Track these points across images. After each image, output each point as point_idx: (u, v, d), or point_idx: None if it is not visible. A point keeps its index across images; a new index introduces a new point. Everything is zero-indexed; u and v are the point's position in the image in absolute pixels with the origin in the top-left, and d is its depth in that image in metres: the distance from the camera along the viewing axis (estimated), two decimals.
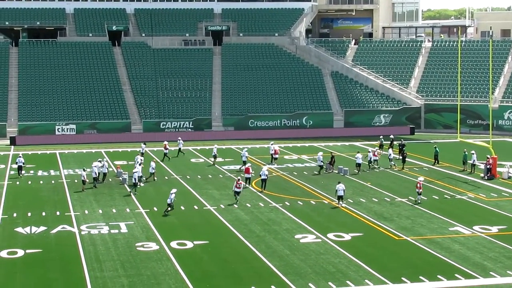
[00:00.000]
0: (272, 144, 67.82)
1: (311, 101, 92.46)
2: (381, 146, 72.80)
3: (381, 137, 75.03)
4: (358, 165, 61.57)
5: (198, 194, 53.53)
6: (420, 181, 51.57)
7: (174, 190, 48.52)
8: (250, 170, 56.73)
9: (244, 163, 62.01)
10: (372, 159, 63.78)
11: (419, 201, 50.58)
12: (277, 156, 66.31)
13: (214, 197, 52.73)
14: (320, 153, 63.33)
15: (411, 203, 50.28)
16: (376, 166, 63.85)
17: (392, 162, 64.26)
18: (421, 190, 50.73)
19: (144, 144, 70.33)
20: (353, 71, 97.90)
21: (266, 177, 54.74)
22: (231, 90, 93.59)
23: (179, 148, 70.39)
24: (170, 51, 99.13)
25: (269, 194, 53.18)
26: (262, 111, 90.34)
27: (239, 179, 50.74)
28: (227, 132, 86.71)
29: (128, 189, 55.06)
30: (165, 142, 69.26)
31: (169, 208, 47.46)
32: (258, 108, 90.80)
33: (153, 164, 58.81)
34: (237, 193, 50.34)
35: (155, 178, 58.83)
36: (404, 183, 57.96)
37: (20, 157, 61.67)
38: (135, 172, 54.68)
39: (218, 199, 52.00)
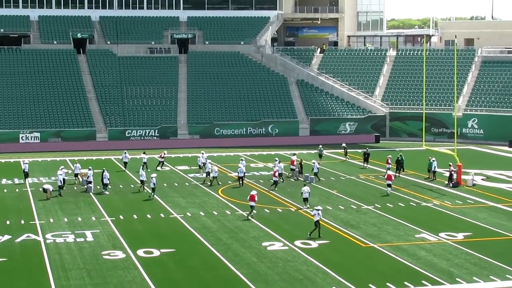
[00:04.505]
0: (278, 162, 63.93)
1: (276, 110, 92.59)
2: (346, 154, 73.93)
3: (343, 144, 75.77)
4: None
5: (164, 202, 53.30)
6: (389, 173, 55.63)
7: (154, 175, 55.90)
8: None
9: (243, 176, 60.25)
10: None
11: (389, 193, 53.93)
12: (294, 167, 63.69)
13: (180, 205, 52.55)
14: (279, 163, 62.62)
15: (377, 210, 50.53)
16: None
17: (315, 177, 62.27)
18: (390, 182, 55.57)
19: (144, 153, 69.25)
20: (318, 79, 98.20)
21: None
22: (196, 98, 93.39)
23: (125, 162, 68.52)
24: (136, 59, 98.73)
25: (236, 202, 53.12)
26: (228, 119, 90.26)
27: (254, 193, 48.64)
28: (192, 140, 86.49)
29: (106, 191, 55.75)
30: (165, 152, 71.07)
31: (152, 193, 54.76)
32: (224, 116, 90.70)
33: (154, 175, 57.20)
34: (252, 206, 48.34)
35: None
36: (370, 190, 58.20)
37: None
38: (153, 177, 55.50)
39: (185, 207, 51.84)
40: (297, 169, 63.59)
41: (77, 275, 36.10)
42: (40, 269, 37.05)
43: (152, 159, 70.51)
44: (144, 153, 68.86)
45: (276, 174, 59.22)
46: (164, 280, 35.34)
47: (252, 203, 48.27)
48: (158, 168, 67.65)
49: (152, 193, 55.00)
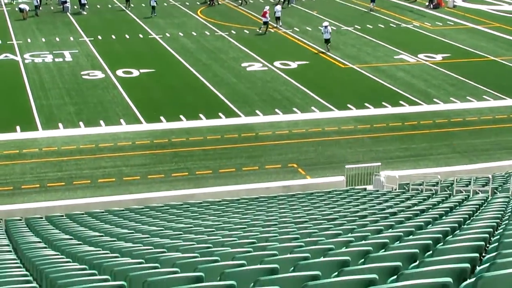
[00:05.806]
0: None
1: None
2: None
3: None
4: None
5: (143, 23, 52.75)
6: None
7: None
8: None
9: None
10: None
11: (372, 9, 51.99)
12: None
13: (159, 25, 52.07)
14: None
15: (357, 32, 50.39)
16: None
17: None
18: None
19: None
20: None
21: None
22: None
23: None
24: None
25: (215, 23, 52.68)
26: None
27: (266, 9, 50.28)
28: None
29: (83, 12, 55.52)
30: None
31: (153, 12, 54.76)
32: None
33: None
34: (265, 23, 49.59)
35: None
36: (350, 12, 57.78)
37: None
38: None
39: (163, 27, 51.39)
40: None
41: (56, 94, 36.12)
42: (19, 89, 36.99)
43: None
44: None
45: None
46: (144, 99, 35.45)
47: (265, 19, 49.21)
48: None
49: (153, 12, 54.68)
